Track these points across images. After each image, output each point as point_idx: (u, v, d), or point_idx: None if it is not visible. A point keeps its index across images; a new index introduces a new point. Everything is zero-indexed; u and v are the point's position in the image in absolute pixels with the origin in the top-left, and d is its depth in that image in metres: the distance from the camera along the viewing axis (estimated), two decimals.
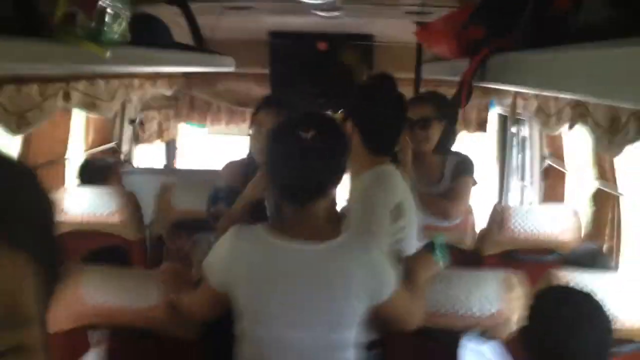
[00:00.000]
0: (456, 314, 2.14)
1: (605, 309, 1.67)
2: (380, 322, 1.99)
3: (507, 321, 2.13)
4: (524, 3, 1.64)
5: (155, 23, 2.69)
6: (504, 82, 1.65)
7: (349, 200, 2.26)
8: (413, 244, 2.32)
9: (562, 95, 1.89)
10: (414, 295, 1.95)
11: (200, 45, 3.31)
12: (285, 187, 1.80)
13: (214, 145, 7.62)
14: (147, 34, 2.34)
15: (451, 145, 3.00)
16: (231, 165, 2.72)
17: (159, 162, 5.31)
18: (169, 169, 5.20)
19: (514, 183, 4.78)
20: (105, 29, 1.81)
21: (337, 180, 1.83)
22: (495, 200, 4.85)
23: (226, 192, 2.55)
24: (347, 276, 1.73)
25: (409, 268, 2.06)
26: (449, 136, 3.00)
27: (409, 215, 2.25)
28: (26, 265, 0.58)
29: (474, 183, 3.06)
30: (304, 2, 2.81)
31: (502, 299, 2.13)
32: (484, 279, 2.18)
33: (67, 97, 2.84)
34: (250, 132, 2.62)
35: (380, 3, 3.40)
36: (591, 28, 1.24)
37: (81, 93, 2.95)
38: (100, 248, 2.46)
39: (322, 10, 3.24)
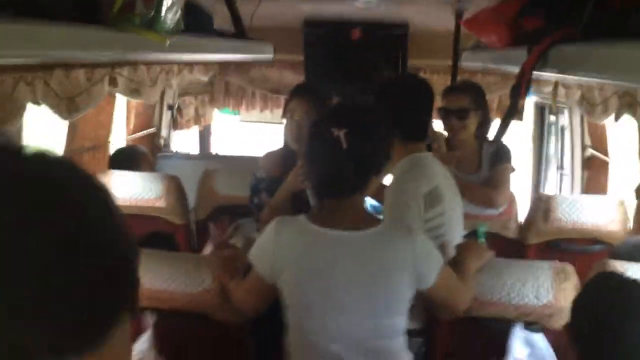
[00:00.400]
0: (509, 303, 2.13)
1: None
2: (427, 307, 1.99)
3: (560, 312, 2.11)
4: None
5: (200, 11, 2.70)
6: (567, 73, 1.63)
7: (387, 190, 2.26)
8: (457, 231, 2.30)
9: (629, 85, 1.85)
10: (461, 280, 1.94)
11: (242, 33, 3.31)
12: (320, 184, 1.81)
13: (247, 132, 7.64)
14: (194, 23, 2.35)
15: (487, 134, 2.99)
16: (270, 155, 2.74)
17: (194, 148, 5.34)
18: (209, 154, 5.22)
19: (551, 173, 4.73)
20: (162, 17, 1.82)
21: (375, 171, 1.82)
22: (531, 190, 4.81)
23: (267, 183, 2.57)
24: (391, 262, 1.73)
25: (459, 256, 2.06)
26: (485, 125, 3.00)
27: (448, 200, 2.22)
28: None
29: (512, 170, 3.05)
30: None
31: (557, 289, 2.11)
32: (539, 269, 2.16)
33: (113, 82, 2.86)
34: (284, 120, 2.63)
35: None
36: None
37: (126, 79, 2.97)
38: (151, 233, 2.49)
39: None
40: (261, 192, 2.56)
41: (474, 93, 2.95)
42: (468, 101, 2.91)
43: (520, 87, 1.84)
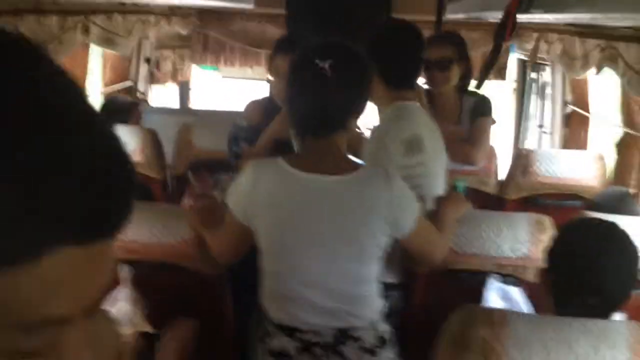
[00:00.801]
0: (486, 255, 2.14)
1: (634, 244, 1.64)
2: (404, 260, 1.98)
3: (536, 264, 2.12)
4: None
5: None
6: (551, 12, 1.59)
7: (369, 136, 2.24)
8: (438, 185, 2.28)
9: (616, 21, 1.82)
10: (439, 230, 1.93)
11: None
12: (303, 118, 1.75)
13: (227, 88, 7.55)
14: None
15: (467, 86, 2.96)
16: (253, 105, 2.71)
17: (173, 103, 5.26)
18: (187, 108, 5.15)
19: (532, 129, 4.73)
20: None
21: (357, 110, 1.78)
22: (512, 146, 4.81)
23: (248, 132, 2.54)
24: (369, 207, 1.71)
25: (439, 208, 2.05)
26: (467, 78, 2.96)
27: (431, 151, 2.19)
28: None
29: (493, 122, 3.02)
30: None
31: (533, 241, 2.12)
32: (516, 221, 2.16)
33: (85, 30, 2.79)
34: (269, 77, 2.58)
35: None
36: None
37: (99, 27, 2.89)
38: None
39: None
40: (241, 140, 2.53)
41: (456, 44, 2.90)
42: (450, 52, 2.86)
43: (505, 28, 1.81)
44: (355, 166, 1.78)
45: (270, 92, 2.63)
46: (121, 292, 2.05)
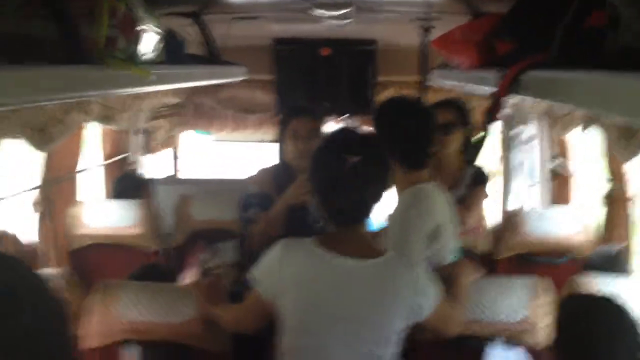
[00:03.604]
0: (484, 321, 2.19)
1: (633, 318, 1.72)
2: (418, 331, 2.03)
3: (534, 328, 2.18)
4: (553, 18, 1.67)
5: (174, 38, 2.71)
6: (540, 98, 1.68)
7: (388, 220, 2.28)
8: (450, 256, 2.35)
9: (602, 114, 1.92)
10: (455, 304, 2.00)
11: (216, 56, 3.33)
12: (332, 209, 1.83)
13: (220, 153, 7.63)
14: (170, 50, 2.37)
15: (475, 158, 3.05)
16: (263, 172, 2.76)
17: (166, 171, 5.32)
18: (183, 178, 5.21)
19: (519, 183, 4.81)
20: (143, 50, 1.84)
21: (381, 199, 1.86)
22: (500, 200, 4.89)
23: (259, 198, 2.61)
24: (393, 294, 1.78)
25: (451, 276, 2.12)
26: (469, 141, 3.06)
27: (446, 235, 2.26)
28: None
29: (486, 195, 3.13)
30: (318, 14, 2.84)
31: (530, 305, 2.18)
32: (512, 286, 2.22)
33: (85, 111, 2.87)
34: (283, 138, 2.67)
35: (388, 10, 3.43)
36: (629, 50, 1.28)
37: (99, 106, 2.98)
38: (143, 266, 2.50)
39: (334, 19, 3.27)
40: (253, 206, 2.59)
41: (458, 109, 3.05)
42: (451, 116, 3.00)
43: (494, 111, 1.90)
44: (381, 252, 1.84)
45: (281, 155, 2.71)
46: None
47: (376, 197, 1.83)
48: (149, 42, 1.89)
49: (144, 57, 1.86)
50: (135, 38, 1.78)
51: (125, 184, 3.49)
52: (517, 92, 1.79)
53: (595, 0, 1.48)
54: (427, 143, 2.34)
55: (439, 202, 2.27)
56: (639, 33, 1.27)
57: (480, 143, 2.27)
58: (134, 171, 4.06)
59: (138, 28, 1.77)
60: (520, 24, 1.98)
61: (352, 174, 1.74)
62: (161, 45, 1.97)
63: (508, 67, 1.88)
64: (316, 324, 1.78)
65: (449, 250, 2.27)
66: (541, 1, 1.92)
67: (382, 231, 2.28)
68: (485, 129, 2.08)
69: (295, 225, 2.50)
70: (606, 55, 1.36)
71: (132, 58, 1.77)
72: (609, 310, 1.71)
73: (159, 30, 1.99)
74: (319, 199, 1.84)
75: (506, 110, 4.60)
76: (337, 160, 1.76)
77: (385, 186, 1.86)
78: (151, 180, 3.76)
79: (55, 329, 0.63)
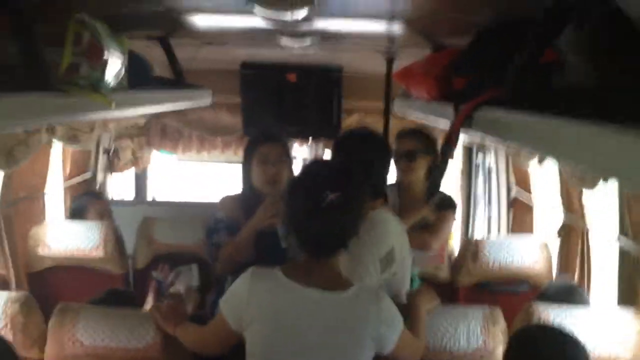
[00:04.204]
0: (443, 349, 2.23)
1: (583, 348, 1.78)
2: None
3: (491, 355, 2.22)
4: (508, 55, 1.72)
5: (140, 61, 2.72)
6: (492, 135, 1.73)
7: None
8: (407, 277, 2.39)
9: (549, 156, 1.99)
10: (415, 333, 2.04)
11: (181, 80, 3.35)
12: (309, 242, 1.85)
13: (185, 173, 7.62)
14: (134, 73, 2.37)
15: (437, 188, 3.12)
16: (229, 199, 2.75)
17: (130, 192, 5.30)
18: (146, 200, 5.19)
19: (479, 213, 4.90)
20: (107, 78, 1.86)
21: (357, 232, 1.89)
22: (461, 229, 4.97)
23: (227, 223, 2.61)
24: (360, 327, 1.81)
25: (411, 304, 2.17)
26: (433, 169, 3.13)
27: (401, 259, 2.30)
28: None
29: (453, 219, 3.20)
30: (285, 43, 2.89)
31: (487, 333, 2.23)
32: (467, 315, 2.27)
33: (51, 131, 2.86)
34: (250, 163, 2.66)
35: (352, 42, 3.49)
36: (574, 91, 1.34)
37: (64, 127, 2.97)
38: (108, 291, 2.49)
39: (300, 47, 3.32)
40: (220, 231, 2.59)
41: (423, 138, 3.15)
42: (416, 145, 3.11)
43: (451, 143, 1.95)
44: (348, 284, 1.86)
45: (246, 180, 2.69)
46: None
47: (354, 230, 1.86)
48: (114, 68, 1.90)
49: (108, 84, 1.87)
50: (100, 65, 1.79)
51: (82, 204, 3.47)
52: (470, 127, 1.84)
53: (550, 38, 1.54)
54: (384, 174, 2.39)
55: (393, 228, 2.31)
56: (583, 76, 1.34)
57: (439, 173, 2.32)
58: (91, 191, 4.03)
59: (103, 55, 1.79)
60: (476, 60, 2.04)
61: (332, 209, 1.77)
62: (124, 72, 1.98)
63: (463, 102, 1.94)
64: (282, 354, 1.80)
65: (405, 274, 2.31)
66: (497, 38, 1.98)
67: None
68: (443, 159, 2.13)
69: (264, 249, 2.52)
70: (554, 94, 1.43)
71: (95, 85, 1.78)
72: (559, 340, 1.77)
73: (124, 57, 2.01)
74: (296, 231, 1.86)
75: (467, 141, 4.70)
76: (318, 196, 1.78)
77: (360, 219, 1.89)
78: (109, 201, 3.74)
79: None
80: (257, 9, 1.80)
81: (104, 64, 1.82)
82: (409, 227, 2.94)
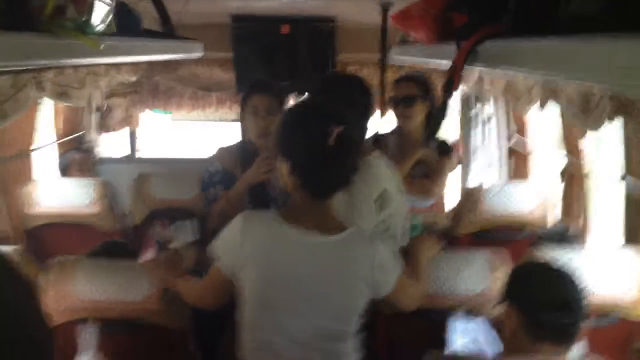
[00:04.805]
0: (445, 294, 2.22)
1: (580, 285, 1.76)
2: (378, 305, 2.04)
3: (493, 299, 2.20)
4: None
5: (129, 11, 2.65)
6: (497, 67, 1.69)
7: None
8: (403, 219, 2.36)
9: (558, 79, 1.94)
10: (416, 279, 2.01)
11: (171, 32, 3.27)
12: (313, 182, 1.76)
13: (178, 132, 7.54)
14: (123, 23, 2.31)
15: (437, 131, 3.07)
16: (224, 150, 2.70)
17: (123, 150, 5.23)
18: (140, 158, 5.13)
19: (478, 161, 4.86)
20: (94, 21, 1.79)
21: (358, 169, 1.83)
22: (460, 178, 4.94)
23: (222, 176, 2.57)
24: (354, 270, 1.77)
25: (412, 251, 2.13)
26: (432, 114, 3.09)
27: (395, 201, 2.27)
28: None
29: (454, 164, 3.17)
30: None
31: (488, 277, 2.21)
32: (471, 259, 2.25)
33: (39, 87, 2.78)
34: (244, 116, 2.61)
35: None
36: (578, 17, 1.30)
37: (53, 83, 2.90)
38: (104, 243, 2.45)
39: None
40: (216, 184, 2.55)
41: (421, 83, 3.12)
42: (414, 90, 3.08)
43: (452, 83, 1.90)
44: (342, 227, 1.80)
45: (243, 133, 2.65)
46: (85, 356, 2.04)
47: (355, 167, 1.80)
48: (100, 12, 1.83)
49: (94, 28, 1.81)
50: (86, 8, 1.73)
51: (64, 161, 3.42)
52: (474, 63, 1.79)
53: None
54: (366, 117, 2.27)
55: (384, 170, 2.26)
56: (591, 3, 1.29)
57: (440, 115, 2.28)
58: (75, 148, 3.97)
59: None
60: None
61: (337, 144, 1.67)
62: (111, 17, 1.91)
63: (465, 39, 1.89)
64: (276, 298, 1.77)
65: (400, 216, 2.28)
66: None
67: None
68: (444, 101, 2.09)
69: (258, 203, 2.48)
70: (558, 22, 1.38)
71: (81, 28, 1.71)
72: (555, 275, 1.75)
73: (110, 2, 1.94)
74: (299, 171, 1.74)
75: (465, 90, 4.64)
76: (322, 130, 1.68)
77: (359, 156, 1.84)
78: (91, 157, 3.68)
79: (27, 306, 0.61)
80: None
81: (91, 7, 1.76)
82: (408, 173, 2.92)
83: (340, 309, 1.79)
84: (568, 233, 2.76)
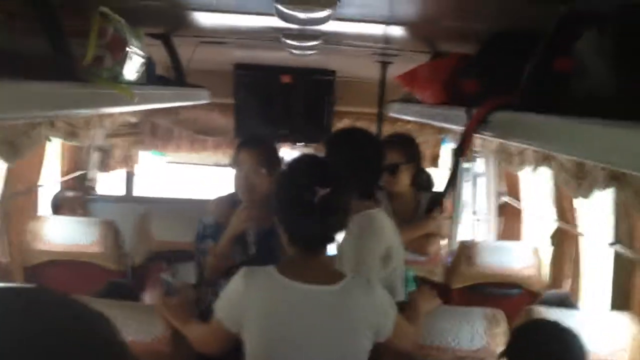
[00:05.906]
0: (446, 347, 2.27)
1: (582, 342, 1.83)
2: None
3: (492, 355, 2.27)
4: (520, 61, 1.77)
5: (148, 59, 2.73)
6: (506, 138, 1.78)
7: (342, 244, 2.32)
8: (402, 272, 2.44)
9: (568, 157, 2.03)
10: (412, 323, 2.08)
11: (182, 79, 3.36)
12: (300, 238, 1.86)
13: (173, 174, 7.57)
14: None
15: (426, 183, 3.15)
16: (219, 201, 2.75)
17: (119, 190, 5.27)
18: (138, 197, 5.16)
19: (466, 218, 4.96)
20: (127, 71, 1.87)
21: (346, 226, 1.93)
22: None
23: (213, 229, 2.60)
24: (356, 318, 1.82)
25: (411, 302, 2.21)
26: (419, 175, 3.15)
27: (397, 253, 2.36)
28: None
29: (441, 212, 3.22)
30: (288, 44, 2.90)
31: (489, 334, 2.28)
32: (470, 315, 2.31)
33: (52, 126, 2.86)
34: (234, 169, 2.67)
35: (351, 44, 3.52)
36: (595, 96, 1.38)
37: (64, 122, 2.97)
38: (109, 284, 2.48)
39: (300, 50, 3.35)
40: (207, 238, 2.59)
41: (405, 147, 3.10)
42: (398, 156, 3.03)
43: (463, 148, 1.98)
44: (341, 276, 1.87)
45: (234, 186, 2.65)
46: None
47: (342, 225, 1.90)
48: (135, 62, 1.92)
49: (127, 78, 1.89)
50: (121, 58, 1.81)
51: (55, 200, 3.47)
52: (483, 131, 1.88)
53: (560, 46, 1.58)
54: (376, 174, 2.43)
55: (387, 226, 2.34)
56: (603, 82, 1.38)
57: (450, 181, 2.36)
58: (67, 188, 4.03)
59: (125, 49, 1.80)
60: (487, 65, 2.08)
61: (322, 204, 1.76)
62: (143, 68, 2.00)
63: (474, 106, 1.98)
64: (281, 352, 1.81)
65: (400, 272, 2.35)
66: (508, 44, 2.02)
67: (337, 256, 2.33)
68: (454, 167, 2.18)
69: (242, 254, 2.54)
70: (571, 100, 1.47)
71: (116, 78, 1.79)
72: (559, 333, 1.82)
73: (143, 53, 2.03)
74: (285, 226, 1.85)
75: (454, 146, 4.75)
76: (308, 191, 1.77)
77: (349, 214, 1.91)
78: (82, 196, 3.72)
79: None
80: (280, 6, 1.80)
81: (125, 57, 1.85)
82: (409, 235, 2.98)
83: (344, 355, 1.83)
84: (569, 299, 2.83)
